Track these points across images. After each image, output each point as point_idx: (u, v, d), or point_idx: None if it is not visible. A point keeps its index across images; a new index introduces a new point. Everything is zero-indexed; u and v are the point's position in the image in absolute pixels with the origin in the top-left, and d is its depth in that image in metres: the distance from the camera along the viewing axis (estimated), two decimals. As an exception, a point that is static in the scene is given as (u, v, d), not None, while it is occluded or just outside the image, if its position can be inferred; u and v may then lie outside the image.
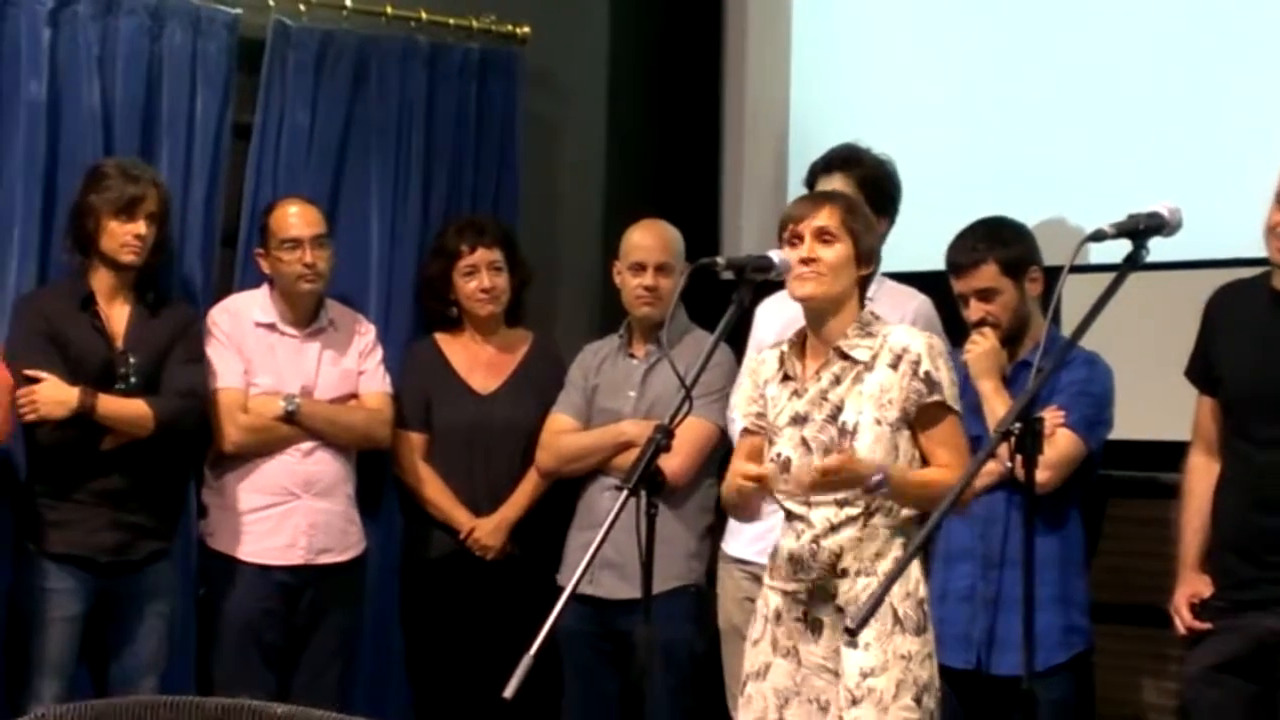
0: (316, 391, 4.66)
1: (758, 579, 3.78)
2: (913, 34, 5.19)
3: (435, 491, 4.78)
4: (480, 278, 4.83)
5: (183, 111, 4.75)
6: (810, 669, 3.43)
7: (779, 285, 3.56)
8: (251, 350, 4.63)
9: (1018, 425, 2.94)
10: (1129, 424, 4.18)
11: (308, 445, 4.61)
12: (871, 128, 4.61)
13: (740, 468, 3.44)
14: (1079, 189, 4.65)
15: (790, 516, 3.50)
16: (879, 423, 3.41)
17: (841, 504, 3.43)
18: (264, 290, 4.72)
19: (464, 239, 4.85)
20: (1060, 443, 3.94)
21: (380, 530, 4.91)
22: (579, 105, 5.64)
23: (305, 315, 4.70)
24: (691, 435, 4.31)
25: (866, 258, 3.50)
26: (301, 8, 4.96)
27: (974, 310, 4.11)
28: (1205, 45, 4.55)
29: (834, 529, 3.43)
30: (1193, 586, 3.89)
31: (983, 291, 4.09)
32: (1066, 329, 3.43)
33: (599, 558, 3.24)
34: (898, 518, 3.44)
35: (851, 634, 3.07)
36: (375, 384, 4.75)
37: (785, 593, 3.47)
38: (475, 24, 5.26)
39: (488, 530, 4.74)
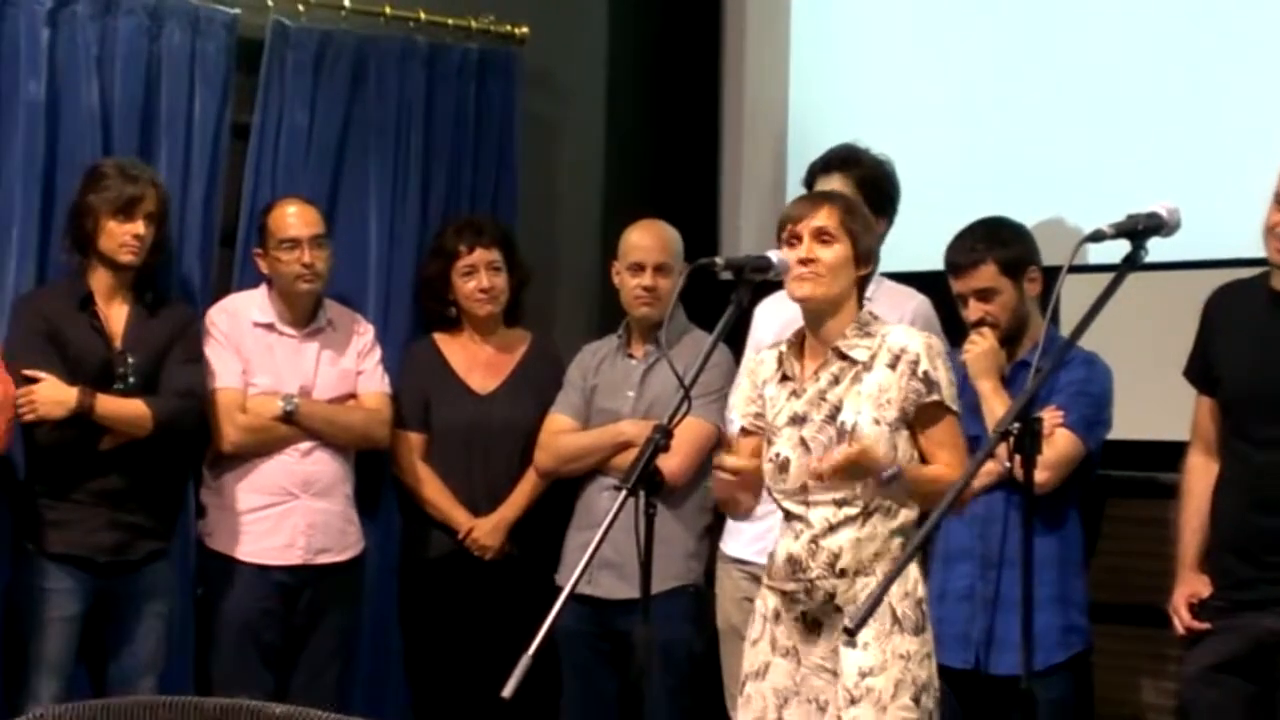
0: (315, 391, 4.66)
1: (756, 579, 3.78)
2: (912, 34, 5.19)
3: (434, 491, 4.78)
4: (479, 278, 4.83)
5: (181, 111, 4.75)
6: (809, 669, 3.43)
7: (778, 285, 3.56)
8: (250, 350, 4.62)
9: (1016, 425, 2.93)
10: (1128, 424, 4.18)
11: (306, 445, 4.61)
12: (870, 128, 4.62)
13: (717, 459, 3.43)
14: (1078, 189, 4.66)
15: (789, 517, 3.50)
16: (877, 423, 3.41)
17: (840, 504, 3.43)
18: (262, 290, 4.72)
19: (463, 239, 4.85)
20: (1059, 443, 3.94)
21: (379, 530, 4.91)
22: (578, 105, 5.64)
23: (304, 315, 4.70)
24: (690, 435, 4.30)
25: (865, 258, 3.50)
26: (300, 8, 4.96)
27: (973, 310, 4.11)
28: (1205, 45, 4.55)
29: (832, 529, 3.43)
30: (1191, 586, 3.89)
31: (982, 291, 4.09)
32: (1065, 329, 3.44)
33: (597, 558, 3.24)
34: (896, 518, 3.44)
35: (850, 634, 3.06)
36: (374, 384, 4.75)
37: (784, 593, 3.47)
38: (474, 24, 5.26)
39: (486, 530, 4.74)
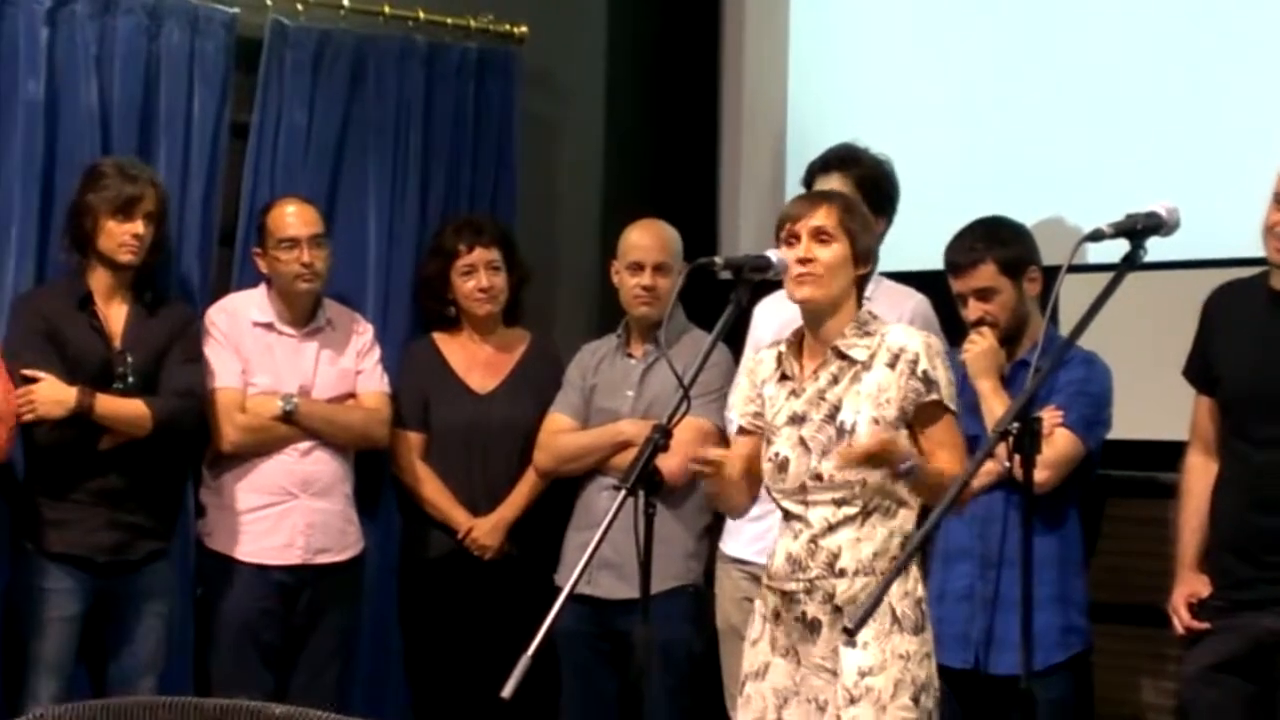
0: (314, 391, 4.66)
1: (756, 579, 3.78)
2: (911, 33, 5.19)
3: (433, 491, 4.78)
4: (478, 277, 4.83)
5: (180, 111, 4.75)
6: (809, 669, 3.43)
7: (777, 285, 3.56)
8: (249, 350, 4.62)
9: (1016, 425, 2.93)
10: (1127, 423, 4.18)
11: (306, 445, 4.61)
12: (869, 127, 4.62)
13: (693, 452, 3.41)
14: (1077, 189, 4.65)
15: (788, 516, 3.50)
16: (877, 422, 3.41)
17: (839, 504, 3.43)
18: (261, 290, 4.71)
19: (462, 238, 4.85)
20: (1058, 442, 3.94)
21: (378, 530, 4.91)
22: (577, 105, 5.63)
23: (303, 315, 4.69)
24: (689, 435, 4.30)
25: (864, 257, 3.50)
26: (299, 7, 4.96)
27: (972, 310, 4.11)
28: (1204, 45, 4.55)
29: (832, 529, 3.43)
30: (1191, 586, 3.89)
31: (981, 291, 4.09)
32: (1065, 328, 3.43)
33: (597, 558, 3.24)
34: (895, 517, 3.44)
35: (850, 633, 3.06)
36: (373, 383, 4.74)
37: (784, 592, 3.46)
38: (473, 23, 5.25)
39: (486, 530, 4.74)
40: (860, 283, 3.52)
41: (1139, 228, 3.02)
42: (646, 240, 4.68)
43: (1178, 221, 3.05)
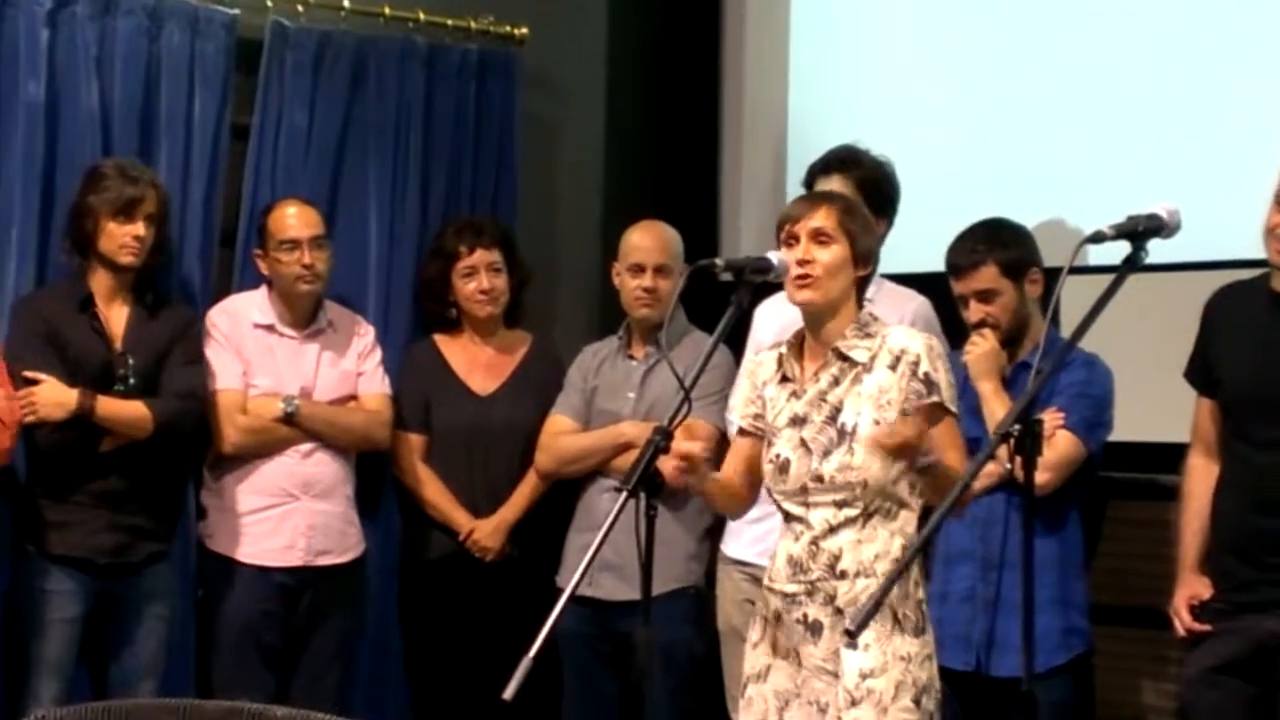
0: (315, 393, 4.66)
1: (757, 580, 3.78)
2: (912, 35, 5.19)
3: (434, 493, 4.78)
4: (479, 279, 4.83)
5: (181, 112, 4.75)
6: (810, 671, 3.42)
7: (778, 287, 3.56)
8: (250, 351, 4.62)
9: (1017, 427, 2.93)
10: (1128, 425, 4.18)
11: (307, 447, 4.61)
12: (870, 129, 4.62)
13: (675, 447, 3.39)
14: (1078, 190, 4.66)
15: (788, 518, 3.50)
16: (878, 424, 3.40)
17: (840, 505, 3.42)
18: (262, 291, 4.71)
19: (463, 240, 4.85)
20: (1060, 444, 3.94)
21: (379, 532, 4.91)
22: (577, 106, 5.64)
23: (304, 316, 4.69)
24: (690, 437, 4.30)
25: (864, 259, 3.49)
26: (299, 8, 4.96)
27: (974, 312, 4.11)
28: (1205, 46, 4.55)
29: (833, 530, 3.43)
30: (1192, 588, 3.89)
31: (982, 293, 4.09)
32: (1066, 330, 3.43)
33: (598, 559, 3.24)
34: (896, 519, 3.44)
35: (851, 635, 3.06)
36: (374, 385, 4.74)
37: (785, 594, 3.46)
38: (473, 25, 5.25)
39: (487, 532, 4.74)
40: (861, 284, 3.51)
41: (1140, 229, 3.03)
42: (648, 242, 4.68)
43: (1179, 223, 3.06)
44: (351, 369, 4.72)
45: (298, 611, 4.60)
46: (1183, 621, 3.88)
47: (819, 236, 3.44)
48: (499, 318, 4.91)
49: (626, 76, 5.72)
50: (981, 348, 4.06)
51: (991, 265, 4.08)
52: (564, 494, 4.75)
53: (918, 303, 4.33)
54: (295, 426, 4.59)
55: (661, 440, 3.20)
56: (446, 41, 5.22)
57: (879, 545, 3.42)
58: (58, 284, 4.48)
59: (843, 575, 3.40)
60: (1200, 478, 3.94)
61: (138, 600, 4.38)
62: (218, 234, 4.83)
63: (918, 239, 4.40)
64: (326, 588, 4.62)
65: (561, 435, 4.71)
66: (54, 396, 4.22)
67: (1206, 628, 3.83)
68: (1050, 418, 3.89)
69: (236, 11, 4.83)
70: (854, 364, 3.45)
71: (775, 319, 4.21)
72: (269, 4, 4.91)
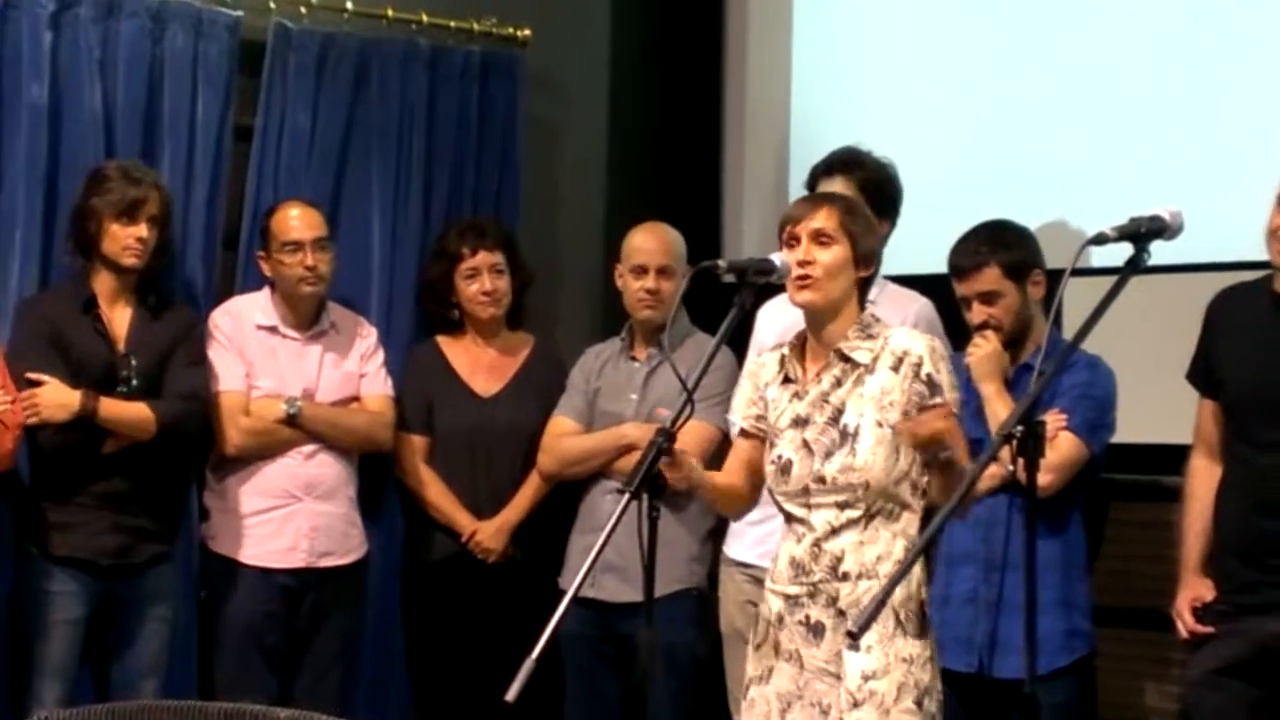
0: (318, 394, 4.66)
1: (759, 582, 3.77)
2: (914, 36, 5.19)
3: (437, 494, 4.78)
4: (481, 280, 4.83)
5: (184, 114, 4.75)
6: (812, 673, 3.42)
7: (780, 288, 3.55)
8: (253, 353, 4.63)
9: (1020, 428, 2.93)
10: (1131, 427, 4.18)
11: (309, 448, 4.61)
12: (873, 130, 4.62)
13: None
14: (1081, 192, 4.66)
15: (790, 519, 3.49)
16: (880, 425, 3.40)
17: (842, 507, 3.42)
18: (265, 293, 4.72)
19: (465, 241, 4.85)
20: (1062, 446, 3.94)
21: (382, 533, 4.91)
22: (580, 107, 5.64)
23: (307, 318, 4.70)
24: (693, 439, 4.30)
25: (866, 260, 3.49)
26: (302, 10, 4.97)
27: (976, 313, 4.11)
28: (1207, 47, 4.55)
29: (835, 532, 3.42)
30: (1195, 590, 3.89)
31: (985, 294, 4.09)
32: (1068, 332, 3.43)
33: (601, 561, 3.23)
34: (898, 520, 3.44)
35: (854, 637, 3.06)
36: (377, 387, 4.75)
37: (787, 596, 3.46)
38: (476, 27, 5.26)
39: (489, 533, 4.74)
40: (863, 285, 3.51)
41: (1142, 231, 3.02)
42: (650, 243, 4.68)
43: (1181, 225, 3.05)
44: (354, 370, 4.73)
45: (300, 613, 4.60)
46: (1185, 623, 3.88)
47: (820, 237, 3.44)
48: (501, 319, 4.91)
49: (629, 78, 5.72)
50: (984, 349, 4.06)
51: (994, 267, 4.07)
52: (566, 495, 4.75)
53: (920, 304, 4.32)
54: (298, 428, 4.60)
55: (664, 442, 3.20)
56: (449, 43, 5.22)
57: (881, 547, 3.41)
58: (61, 285, 4.49)
59: (845, 577, 3.40)
60: (1203, 479, 3.94)
61: (140, 602, 4.38)
62: (220, 236, 4.84)
63: (920, 240, 4.40)
64: (329, 589, 4.62)
65: (564, 437, 4.71)
66: (57, 398, 4.23)
67: (1209, 630, 3.83)
68: (1053, 419, 3.89)
69: (239, 13, 4.83)
70: (856, 365, 3.44)
71: (778, 320, 4.21)
72: (272, 6, 4.91)
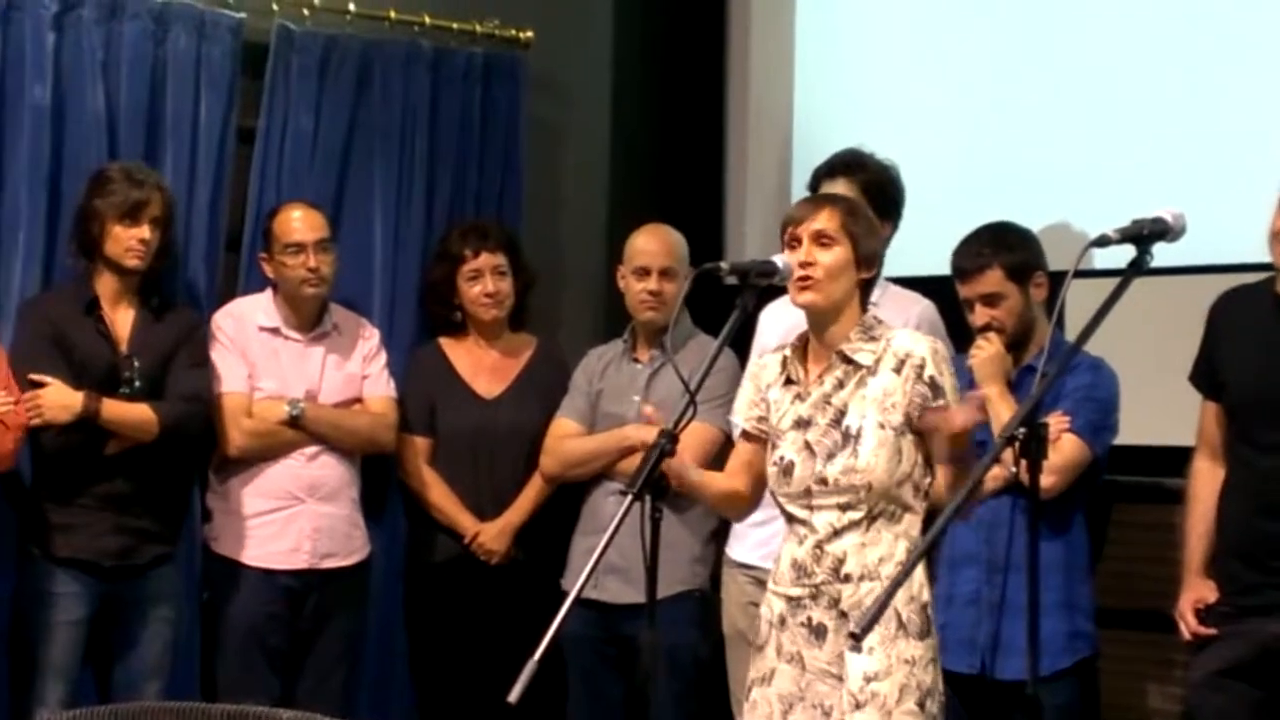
0: (321, 396, 4.66)
1: (762, 584, 3.77)
2: (916, 39, 5.19)
3: (439, 496, 4.78)
4: (484, 282, 4.83)
5: (187, 116, 4.76)
6: (814, 674, 3.42)
7: (783, 290, 3.55)
8: (256, 355, 4.63)
9: (1023, 430, 2.93)
10: (1133, 429, 4.17)
11: (312, 449, 4.62)
12: (875, 132, 4.61)
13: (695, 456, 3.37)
14: (1084, 194, 4.65)
15: (792, 521, 3.49)
16: (882, 427, 3.40)
17: (844, 508, 3.42)
18: (268, 295, 4.72)
19: (468, 243, 4.85)
20: (1065, 448, 3.94)
21: (384, 534, 4.91)
22: (582, 109, 5.64)
23: (309, 319, 4.70)
24: (696, 440, 4.30)
25: (867, 261, 3.48)
26: (305, 12, 4.97)
27: (979, 315, 4.11)
28: (1208, 48, 4.55)
29: (837, 533, 3.42)
30: (1197, 592, 3.89)
31: (988, 296, 4.09)
32: (1071, 334, 3.43)
33: (603, 562, 3.24)
34: (900, 522, 3.43)
35: (856, 639, 3.06)
36: (379, 388, 4.75)
37: (789, 598, 3.46)
38: (479, 29, 5.26)
39: (492, 535, 4.74)
40: (865, 287, 3.51)
41: (1145, 233, 3.03)
42: (653, 245, 4.68)
43: (1184, 227, 3.06)
44: (356, 372, 4.73)
45: (303, 614, 4.60)
46: (1188, 625, 3.88)
47: (821, 239, 3.44)
48: (504, 321, 4.91)
49: (631, 80, 5.72)
50: (987, 351, 4.06)
51: (997, 269, 4.08)
52: (569, 497, 4.75)
53: (923, 306, 4.32)
54: (300, 429, 4.60)
55: (667, 444, 3.20)
56: (452, 45, 5.22)
57: (883, 548, 3.41)
58: (63, 287, 4.49)
59: (847, 579, 3.40)
60: (1205, 481, 3.93)
61: (143, 603, 4.38)
62: (223, 237, 4.84)
63: (923, 242, 4.40)
64: (332, 590, 4.62)
65: (566, 438, 4.72)
66: (59, 399, 4.23)
67: (1212, 631, 3.83)
68: (1056, 421, 3.90)
69: (242, 15, 4.83)
70: (858, 367, 3.44)
71: (780, 322, 4.21)
72: (274, 8, 4.92)
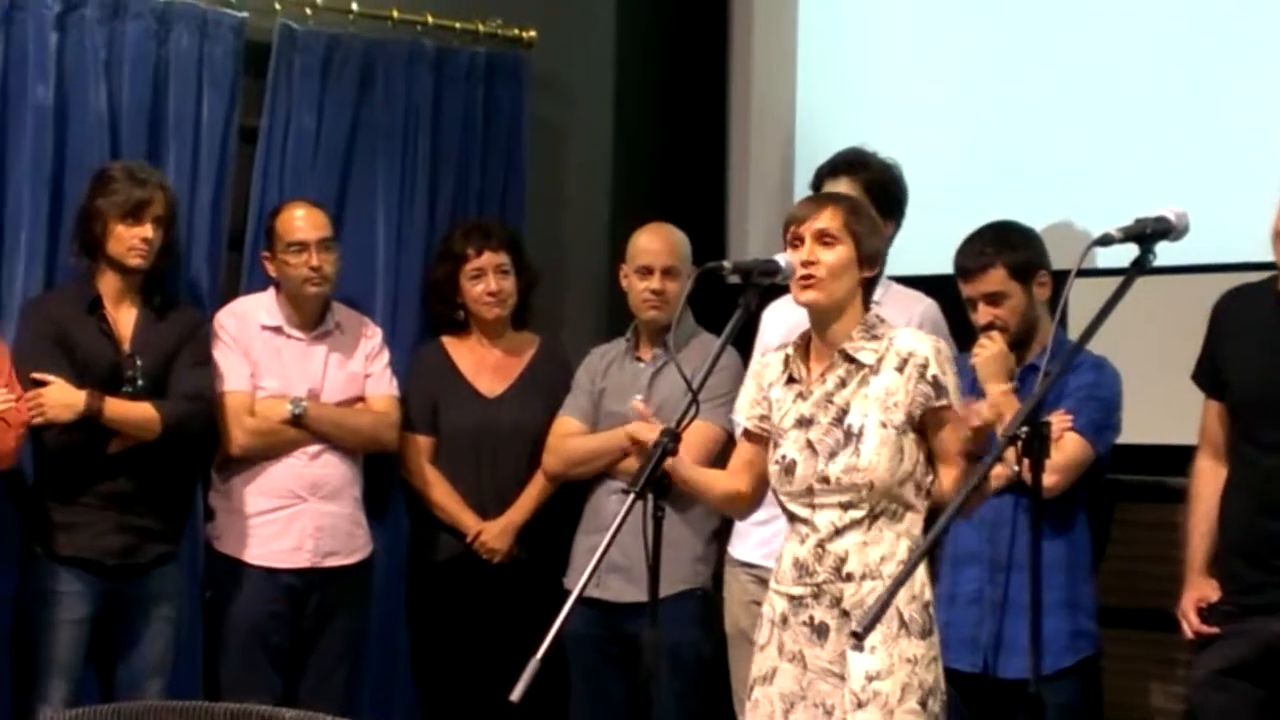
0: (323, 394, 4.66)
1: (764, 582, 3.77)
2: (919, 37, 5.19)
3: (442, 494, 4.78)
4: (487, 281, 4.83)
5: (189, 115, 4.76)
6: (816, 673, 3.42)
7: (785, 289, 3.56)
8: (258, 353, 4.63)
9: (1025, 429, 2.93)
10: (1136, 428, 4.17)
11: (315, 448, 4.62)
12: (878, 131, 4.61)
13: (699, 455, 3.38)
14: (1086, 193, 4.65)
15: (793, 519, 3.49)
16: (885, 425, 3.40)
17: (846, 507, 3.42)
18: (270, 293, 4.72)
19: (470, 242, 4.85)
20: (1068, 447, 3.93)
21: (387, 533, 4.91)
22: (585, 108, 5.64)
23: (312, 318, 4.70)
24: (698, 439, 4.30)
25: (870, 260, 3.48)
26: (308, 11, 4.97)
27: (982, 314, 4.11)
28: (1212, 47, 4.55)
29: (838, 533, 3.42)
30: (1200, 591, 3.89)
31: (991, 295, 4.09)
32: (1074, 333, 3.43)
33: (606, 561, 3.24)
34: (902, 521, 3.43)
35: (858, 638, 3.06)
36: (382, 387, 4.75)
37: (791, 597, 3.46)
38: (481, 28, 5.26)
39: (494, 533, 4.75)
40: (868, 286, 3.51)
41: (1148, 232, 3.02)
42: (655, 244, 4.69)
43: (1187, 226, 3.06)
44: (359, 371, 4.73)
45: (305, 613, 4.60)
46: (1191, 624, 3.88)
47: (823, 237, 3.44)
48: (507, 320, 4.91)
49: (634, 79, 5.72)
50: (990, 350, 4.06)
51: (1000, 268, 4.07)
52: (572, 496, 4.75)
53: (925, 305, 4.32)
54: (303, 428, 4.60)
55: (669, 443, 3.20)
56: (454, 44, 5.22)
57: (885, 547, 3.41)
58: (66, 286, 4.49)
59: (849, 578, 3.40)
60: (1208, 480, 3.93)
61: (146, 601, 4.39)
62: (226, 236, 4.84)
63: (926, 241, 4.40)
64: (334, 589, 4.63)
65: (569, 437, 4.72)
66: (62, 398, 4.23)
67: (1214, 630, 3.83)
68: (1058, 420, 3.89)
69: (245, 15, 4.83)
70: (861, 366, 3.44)
71: (783, 321, 4.21)
72: (277, 7, 4.92)
